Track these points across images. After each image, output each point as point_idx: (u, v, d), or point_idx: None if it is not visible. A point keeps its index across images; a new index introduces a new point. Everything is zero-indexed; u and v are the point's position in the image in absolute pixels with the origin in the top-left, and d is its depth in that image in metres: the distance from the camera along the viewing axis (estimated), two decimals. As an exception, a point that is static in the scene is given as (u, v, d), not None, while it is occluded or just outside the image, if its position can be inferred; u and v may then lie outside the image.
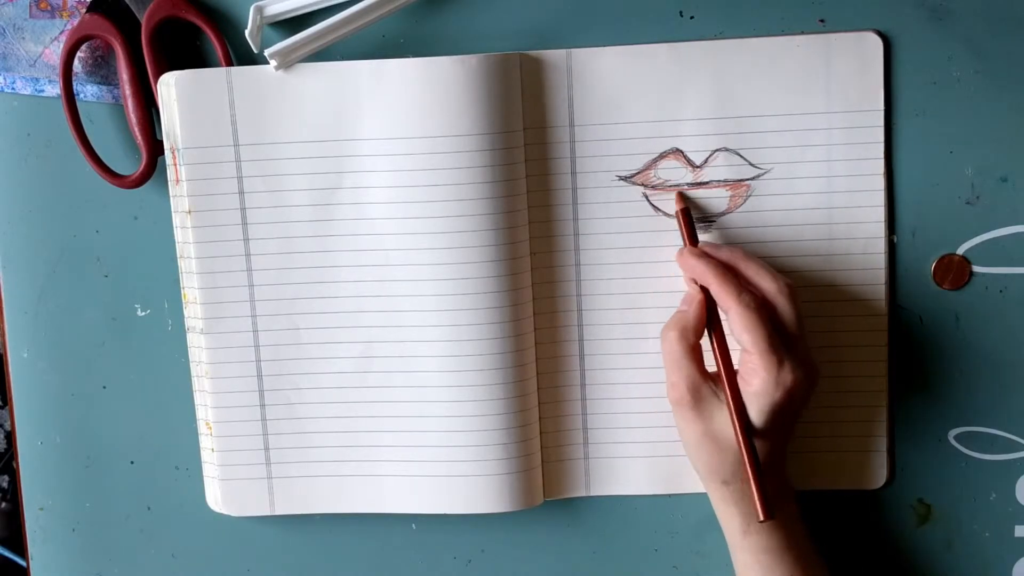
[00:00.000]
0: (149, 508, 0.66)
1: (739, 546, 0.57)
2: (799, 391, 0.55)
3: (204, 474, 0.64)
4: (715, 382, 0.56)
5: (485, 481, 0.61)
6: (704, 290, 0.57)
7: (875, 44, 0.60)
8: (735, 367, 0.56)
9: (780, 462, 0.57)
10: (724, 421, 0.55)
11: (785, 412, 0.55)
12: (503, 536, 0.65)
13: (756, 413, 0.55)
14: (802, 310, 0.56)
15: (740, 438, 0.55)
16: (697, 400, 0.56)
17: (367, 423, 0.62)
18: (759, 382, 0.54)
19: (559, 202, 0.61)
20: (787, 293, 0.55)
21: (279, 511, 0.63)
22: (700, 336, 0.57)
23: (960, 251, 0.62)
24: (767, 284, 0.55)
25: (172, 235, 0.62)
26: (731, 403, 0.55)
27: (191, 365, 0.63)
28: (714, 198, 0.61)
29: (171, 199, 0.61)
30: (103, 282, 0.64)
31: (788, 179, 0.60)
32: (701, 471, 0.58)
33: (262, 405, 0.62)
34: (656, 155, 0.61)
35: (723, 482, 0.56)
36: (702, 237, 0.61)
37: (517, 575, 0.65)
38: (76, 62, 0.61)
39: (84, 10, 0.61)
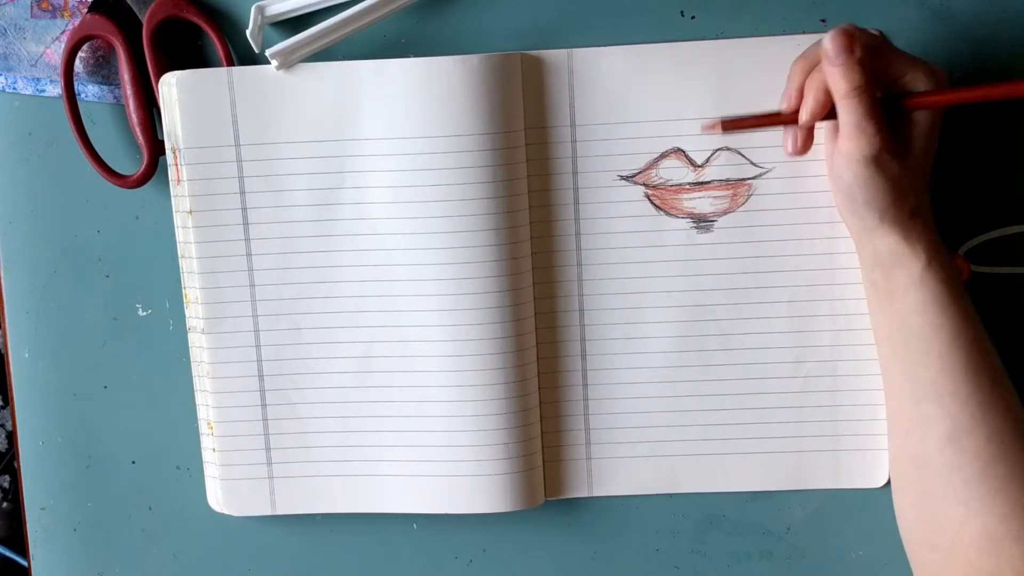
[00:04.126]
0: (150, 508, 0.66)
1: (919, 283, 0.56)
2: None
3: (205, 474, 0.64)
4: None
5: (486, 481, 0.61)
6: None
7: (876, 44, 0.60)
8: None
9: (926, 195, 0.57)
10: (917, 144, 0.55)
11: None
12: (504, 536, 0.65)
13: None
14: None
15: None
16: (889, 140, 0.54)
17: (368, 423, 0.62)
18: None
19: (560, 202, 0.61)
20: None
21: (280, 511, 0.63)
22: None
23: (960, 251, 0.62)
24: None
25: (173, 235, 0.62)
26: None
27: (192, 365, 0.63)
28: (715, 197, 0.61)
29: (172, 199, 0.61)
30: (104, 282, 0.64)
31: (789, 178, 0.60)
32: (889, 214, 0.55)
33: (263, 405, 0.62)
34: (657, 155, 0.61)
35: (911, 215, 0.55)
36: (702, 237, 0.61)
37: (518, 575, 0.65)
38: (77, 62, 0.61)
39: (85, 10, 0.61)
